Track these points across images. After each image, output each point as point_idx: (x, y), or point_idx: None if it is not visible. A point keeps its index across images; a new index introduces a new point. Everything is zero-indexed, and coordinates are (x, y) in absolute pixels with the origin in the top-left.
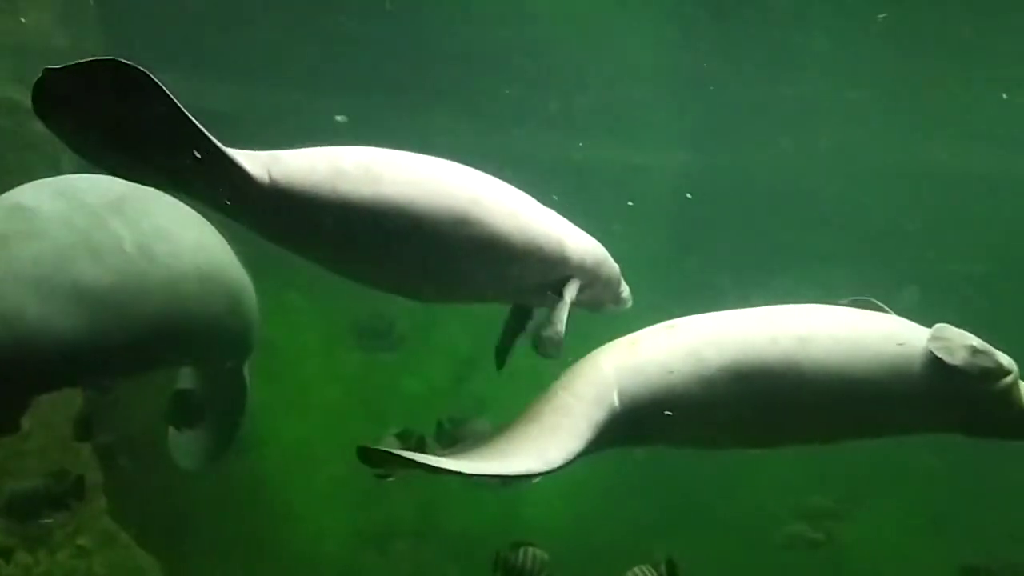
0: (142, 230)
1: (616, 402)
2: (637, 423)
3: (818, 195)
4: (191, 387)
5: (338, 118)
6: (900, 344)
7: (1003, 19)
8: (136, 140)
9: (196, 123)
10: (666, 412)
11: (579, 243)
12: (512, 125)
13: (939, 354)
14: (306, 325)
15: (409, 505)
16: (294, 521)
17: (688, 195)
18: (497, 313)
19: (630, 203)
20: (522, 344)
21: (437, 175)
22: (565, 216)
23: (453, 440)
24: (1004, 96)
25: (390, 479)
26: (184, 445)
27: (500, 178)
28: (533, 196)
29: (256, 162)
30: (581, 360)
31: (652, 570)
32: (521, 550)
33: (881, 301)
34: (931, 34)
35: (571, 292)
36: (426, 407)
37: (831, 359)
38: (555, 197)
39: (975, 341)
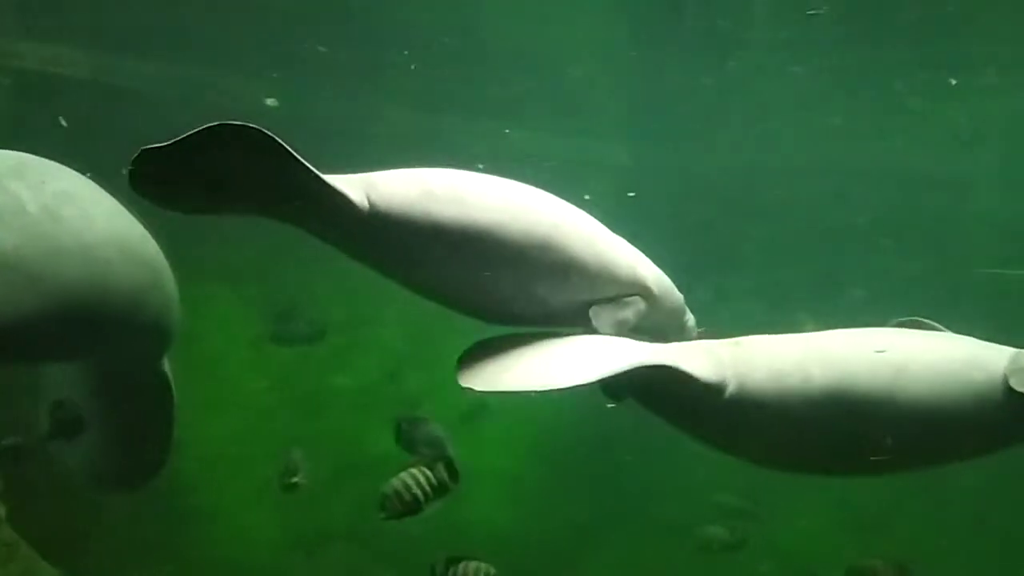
0: (45, 193)
1: (729, 383)
2: (735, 413)
3: (767, 190)
4: (67, 396)
5: (268, 101)
6: (983, 370)
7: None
8: (244, 190)
9: (314, 170)
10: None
11: (649, 270)
12: (449, 111)
13: (1014, 383)
14: (229, 317)
15: (342, 506)
16: (216, 525)
17: (631, 193)
18: (434, 310)
19: (587, 197)
20: (460, 342)
21: (521, 200)
22: None
23: (410, 440)
24: (953, 82)
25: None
26: (94, 465)
27: (432, 165)
28: None
29: (357, 189)
30: (681, 343)
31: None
32: (462, 565)
33: (832, 297)
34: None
35: (637, 307)
36: (358, 404)
37: (924, 389)
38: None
39: None
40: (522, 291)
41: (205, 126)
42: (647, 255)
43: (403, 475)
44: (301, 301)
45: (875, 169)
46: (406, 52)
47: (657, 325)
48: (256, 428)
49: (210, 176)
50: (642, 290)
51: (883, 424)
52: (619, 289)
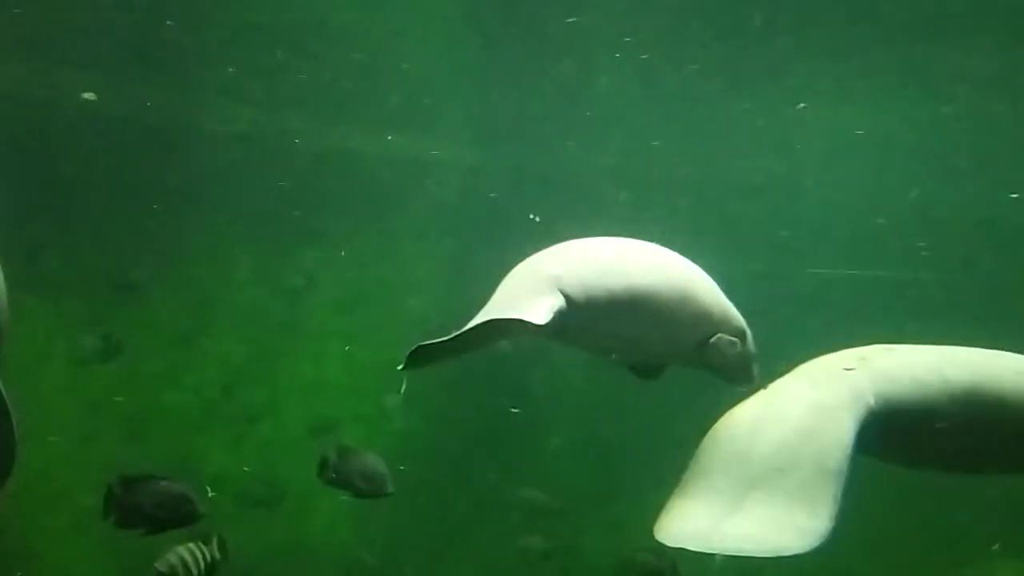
0: None
1: (872, 403)
2: (887, 430)
3: (610, 196)
4: None
5: (85, 95)
6: None
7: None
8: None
9: (534, 323)
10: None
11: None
12: (288, 110)
13: None
14: (44, 333)
15: (176, 532)
16: (33, 562)
17: (492, 194)
18: (274, 320)
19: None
20: (307, 351)
21: (663, 260)
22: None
23: (342, 474)
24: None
25: None
26: None
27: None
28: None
29: (551, 296)
30: (809, 364)
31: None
32: None
33: None
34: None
35: (739, 346)
36: (191, 422)
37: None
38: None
39: None
40: (665, 338)
41: (484, 322)
42: (497, 258)
43: (178, 551)
44: (128, 314)
45: (704, 175)
46: (236, 47)
47: (725, 366)
48: (74, 456)
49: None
50: (740, 332)
51: (1016, 420)
52: (728, 331)
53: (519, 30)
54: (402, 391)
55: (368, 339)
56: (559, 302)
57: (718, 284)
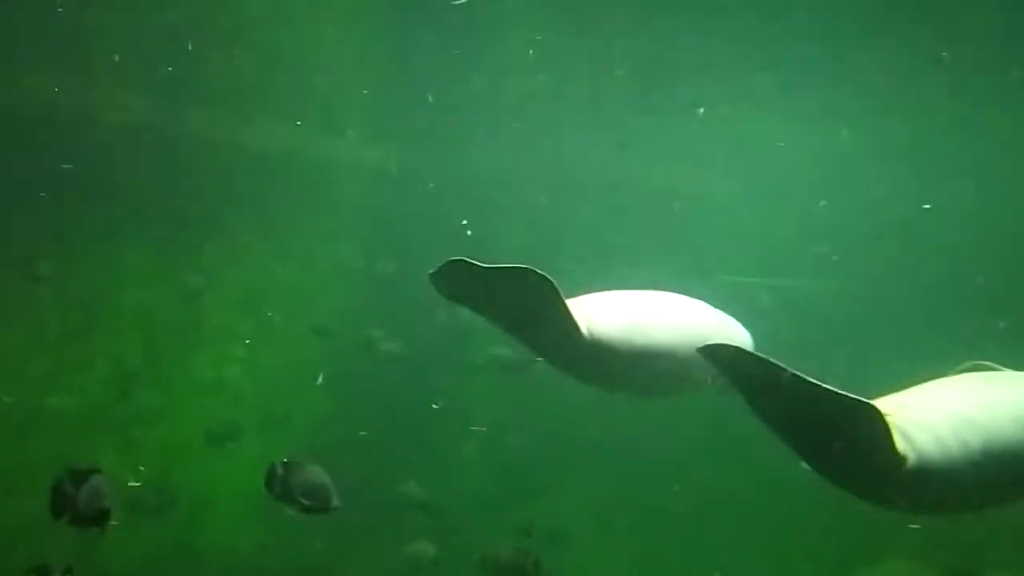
0: None
1: (951, 443)
2: (955, 471)
3: (521, 196)
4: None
5: None
6: None
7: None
8: (512, 313)
9: (574, 320)
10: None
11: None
12: (190, 103)
13: None
14: None
15: (62, 539)
16: None
17: (432, 190)
18: (172, 318)
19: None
20: (206, 352)
21: (683, 315)
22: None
23: (287, 489)
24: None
25: None
26: None
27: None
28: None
29: (582, 323)
30: (894, 397)
31: None
32: None
33: None
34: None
35: None
36: (79, 426)
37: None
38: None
39: None
40: (679, 379)
41: (517, 266)
42: (405, 259)
43: None
44: (11, 309)
45: (615, 180)
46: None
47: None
48: None
49: (491, 294)
50: None
51: None
52: None
53: (430, 35)
54: (319, 381)
55: (270, 340)
56: (585, 331)
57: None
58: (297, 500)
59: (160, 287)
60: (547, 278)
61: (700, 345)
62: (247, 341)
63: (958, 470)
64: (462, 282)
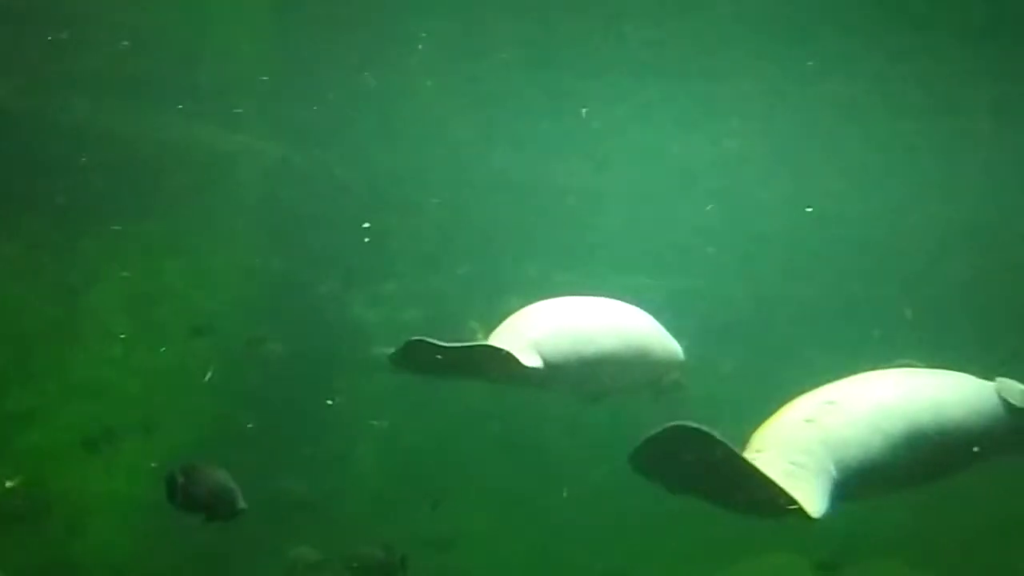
0: None
1: (834, 471)
2: (846, 487)
3: (415, 194)
4: None
5: None
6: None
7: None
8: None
9: (524, 364)
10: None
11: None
12: (68, 87)
13: (1012, 400)
14: None
15: None
16: None
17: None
18: (45, 314)
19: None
20: (83, 352)
21: (622, 321)
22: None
23: (190, 496)
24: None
25: None
26: None
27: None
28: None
29: (530, 355)
30: (775, 425)
31: None
32: None
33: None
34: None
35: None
36: None
37: (957, 421)
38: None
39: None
40: (620, 381)
41: (479, 345)
42: (295, 257)
43: None
44: None
45: (511, 179)
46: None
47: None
48: None
49: (451, 365)
50: (680, 365)
51: (936, 449)
52: (673, 367)
53: (328, 29)
54: (207, 378)
55: (152, 341)
56: (539, 362)
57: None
58: (202, 508)
59: (35, 284)
60: (505, 351)
61: (637, 348)
62: (127, 342)
63: (875, 469)
64: (421, 359)
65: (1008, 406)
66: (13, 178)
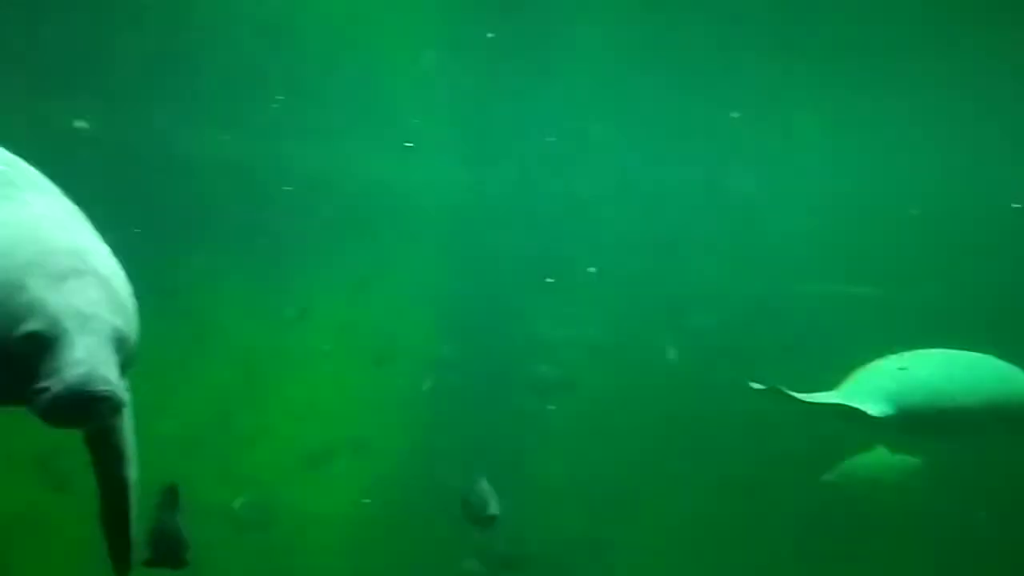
0: None
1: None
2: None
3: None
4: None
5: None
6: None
7: None
8: None
9: None
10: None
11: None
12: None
13: None
14: None
15: None
16: None
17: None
18: (264, 342)
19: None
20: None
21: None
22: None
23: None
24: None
25: None
26: None
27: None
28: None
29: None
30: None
31: None
32: None
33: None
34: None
35: None
36: (182, 451)
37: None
38: None
39: None
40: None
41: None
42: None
43: None
44: None
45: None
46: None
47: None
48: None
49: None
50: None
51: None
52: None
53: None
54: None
55: (356, 364)
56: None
57: None
58: (480, 513)
59: (258, 316)
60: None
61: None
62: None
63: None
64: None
65: None
66: (255, 220)
